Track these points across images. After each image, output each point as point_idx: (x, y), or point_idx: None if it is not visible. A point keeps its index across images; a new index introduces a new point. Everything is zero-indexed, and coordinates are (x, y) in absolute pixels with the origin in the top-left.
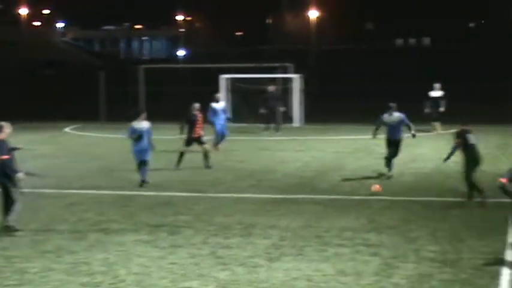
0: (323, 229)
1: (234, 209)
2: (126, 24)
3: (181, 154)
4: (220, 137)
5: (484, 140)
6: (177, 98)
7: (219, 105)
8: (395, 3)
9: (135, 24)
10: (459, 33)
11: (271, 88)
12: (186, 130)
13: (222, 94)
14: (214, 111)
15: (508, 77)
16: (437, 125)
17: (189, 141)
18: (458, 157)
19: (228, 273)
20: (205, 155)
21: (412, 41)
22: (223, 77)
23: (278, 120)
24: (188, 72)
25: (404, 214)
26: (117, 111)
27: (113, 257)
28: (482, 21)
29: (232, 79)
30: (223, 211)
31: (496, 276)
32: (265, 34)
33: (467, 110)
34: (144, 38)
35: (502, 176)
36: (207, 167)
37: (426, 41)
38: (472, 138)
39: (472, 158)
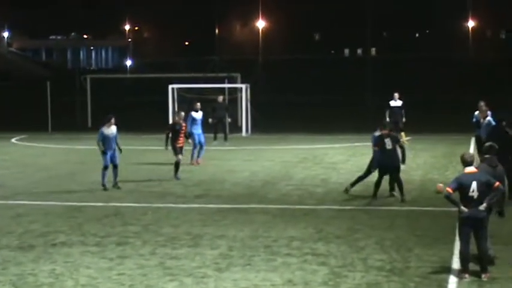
0: (271, 239)
1: (182, 219)
2: (74, 34)
3: (177, 164)
4: (199, 149)
5: (431, 149)
6: (124, 108)
7: (199, 114)
8: (341, 15)
9: (83, 34)
10: (403, 43)
11: (219, 98)
12: (169, 141)
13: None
14: (194, 121)
15: (451, 87)
16: (402, 134)
17: (177, 150)
18: (405, 165)
19: (176, 284)
20: (177, 166)
21: (359, 51)
22: (171, 87)
23: (226, 130)
24: (136, 82)
25: (351, 223)
26: (64, 121)
27: (60, 268)
28: (427, 31)
29: (180, 89)
30: (171, 222)
31: (443, 285)
32: (213, 44)
33: (414, 118)
34: (91, 47)
35: (448, 185)
36: (176, 178)
37: (372, 50)
38: (389, 143)
39: (384, 162)
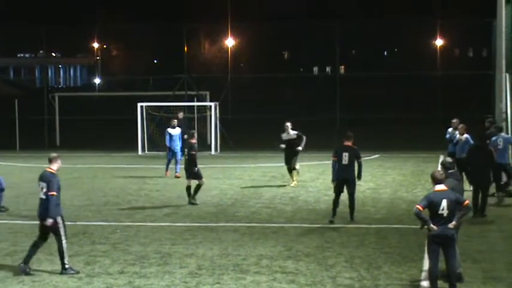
0: (241, 257)
1: (151, 238)
2: (42, 51)
3: (198, 187)
4: (176, 162)
5: (400, 167)
6: (92, 126)
7: (176, 130)
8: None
9: (51, 52)
10: (373, 61)
11: (180, 115)
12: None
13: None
14: (171, 137)
15: (420, 105)
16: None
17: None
18: (374, 183)
19: None
20: (197, 188)
21: (327, 69)
22: (140, 105)
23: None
24: (104, 101)
25: (321, 241)
26: (32, 139)
27: None
28: (396, 50)
29: (149, 107)
30: (139, 240)
31: None
32: (182, 62)
33: (383, 136)
34: (60, 65)
35: (417, 203)
36: (193, 202)
37: (341, 69)
38: (346, 158)
39: (339, 178)
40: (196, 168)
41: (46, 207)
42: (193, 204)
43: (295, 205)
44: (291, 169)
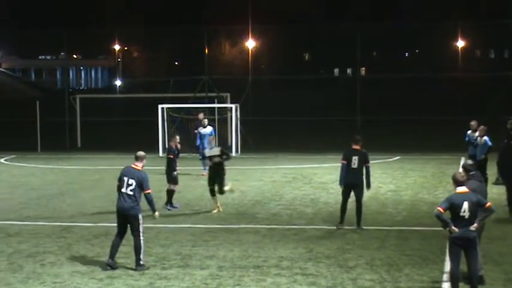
0: (261, 259)
1: (172, 239)
2: (63, 53)
3: (169, 192)
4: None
5: (421, 169)
6: (113, 128)
7: (207, 129)
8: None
9: (72, 54)
10: (393, 63)
11: (200, 116)
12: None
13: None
14: (201, 136)
15: (441, 106)
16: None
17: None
18: (395, 185)
19: None
20: (168, 193)
21: (348, 70)
22: (161, 107)
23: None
24: (125, 102)
25: (341, 243)
26: (53, 141)
27: None
28: (417, 51)
29: (169, 109)
30: (160, 242)
31: None
32: (203, 64)
33: (404, 138)
34: (81, 67)
35: (439, 205)
36: (168, 208)
37: (362, 70)
38: (355, 162)
39: (347, 182)
40: (175, 173)
41: (132, 202)
42: (169, 210)
43: (316, 207)
44: (213, 191)
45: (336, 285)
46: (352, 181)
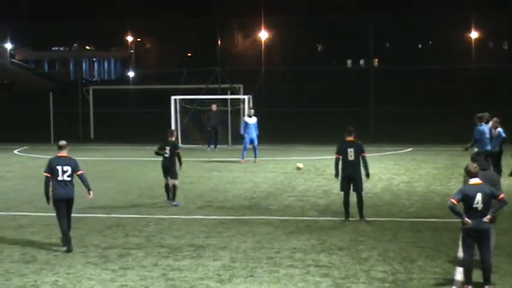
0: (274, 250)
1: (185, 230)
2: (76, 45)
3: (167, 187)
4: (254, 149)
5: (434, 160)
6: (126, 119)
7: (252, 120)
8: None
9: (85, 46)
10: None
11: (213, 107)
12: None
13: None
14: (246, 125)
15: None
16: None
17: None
18: (407, 176)
19: None
20: (166, 188)
21: (361, 61)
22: (174, 98)
23: (217, 138)
24: (138, 94)
25: (354, 235)
26: (66, 132)
27: (63, 280)
28: (430, 42)
29: (182, 100)
30: (173, 233)
31: None
32: (215, 55)
33: (417, 129)
34: (94, 59)
35: (451, 196)
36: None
37: (375, 61)
38: (352, 153)
39: (344, 174)
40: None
41: (72, 187)
42: (175, 206)
43: (328, 198)
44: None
45: (348, 277)
46: (351, 173)
